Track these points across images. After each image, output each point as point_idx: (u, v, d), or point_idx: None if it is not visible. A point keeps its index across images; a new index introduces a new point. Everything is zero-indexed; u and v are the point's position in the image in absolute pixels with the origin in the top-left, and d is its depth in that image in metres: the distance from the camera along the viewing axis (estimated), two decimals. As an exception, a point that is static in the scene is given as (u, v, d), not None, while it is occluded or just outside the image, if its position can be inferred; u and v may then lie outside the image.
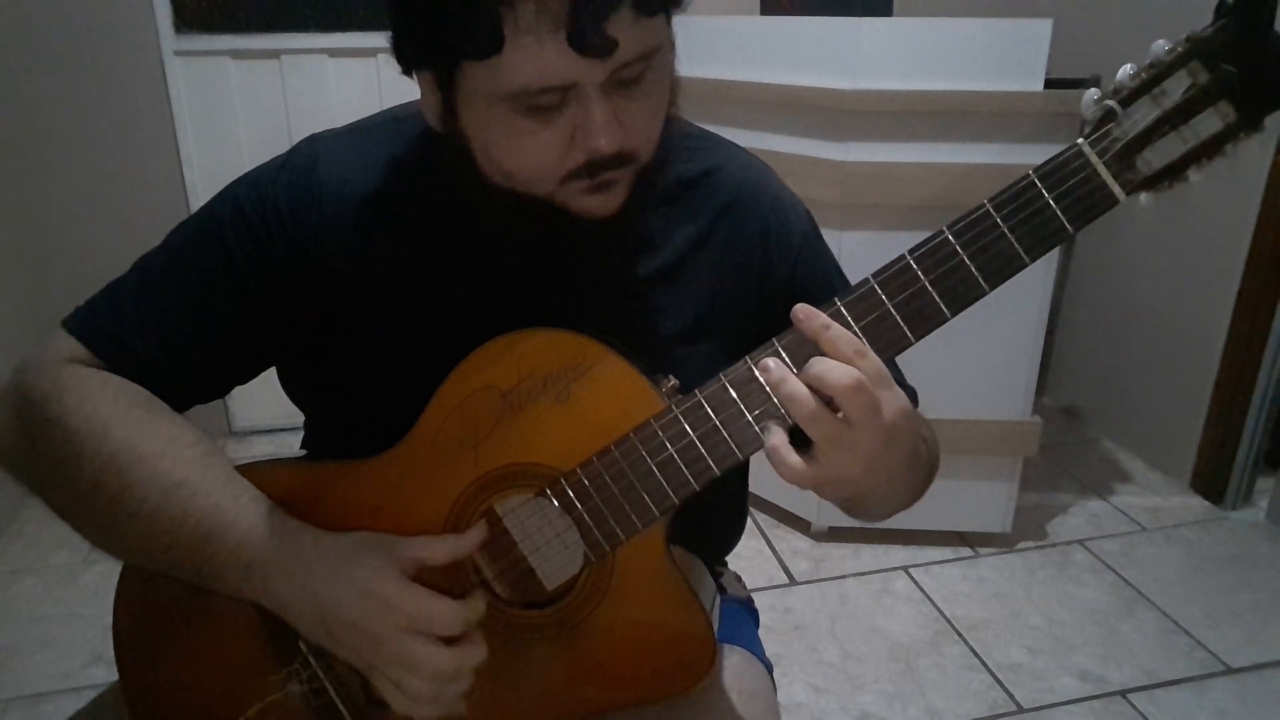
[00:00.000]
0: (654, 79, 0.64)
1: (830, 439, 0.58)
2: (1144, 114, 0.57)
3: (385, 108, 0.80)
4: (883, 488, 0.64)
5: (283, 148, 0.77)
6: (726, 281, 0.79)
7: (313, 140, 0.77)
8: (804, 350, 0.60)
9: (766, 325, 0.64)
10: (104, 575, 2.05)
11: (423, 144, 0.75)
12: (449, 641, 0.67)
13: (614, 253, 0.74)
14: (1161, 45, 0.57)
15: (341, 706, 0.74)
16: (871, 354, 0.59)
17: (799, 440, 0.60)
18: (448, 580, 0.70)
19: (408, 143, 0.76)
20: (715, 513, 0.89)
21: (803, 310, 0.60)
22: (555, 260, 0.73)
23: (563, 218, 0.66)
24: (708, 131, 0.83)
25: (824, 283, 0.81)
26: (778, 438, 0.60)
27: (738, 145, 0.84)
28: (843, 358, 0.58)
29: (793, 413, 0.59)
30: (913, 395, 0.79)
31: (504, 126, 0.62)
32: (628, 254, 0.76)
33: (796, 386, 0.59)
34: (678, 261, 0.77)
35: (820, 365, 0.58)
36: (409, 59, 0.65)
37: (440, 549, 0.68)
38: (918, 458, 0.72)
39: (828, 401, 0.58)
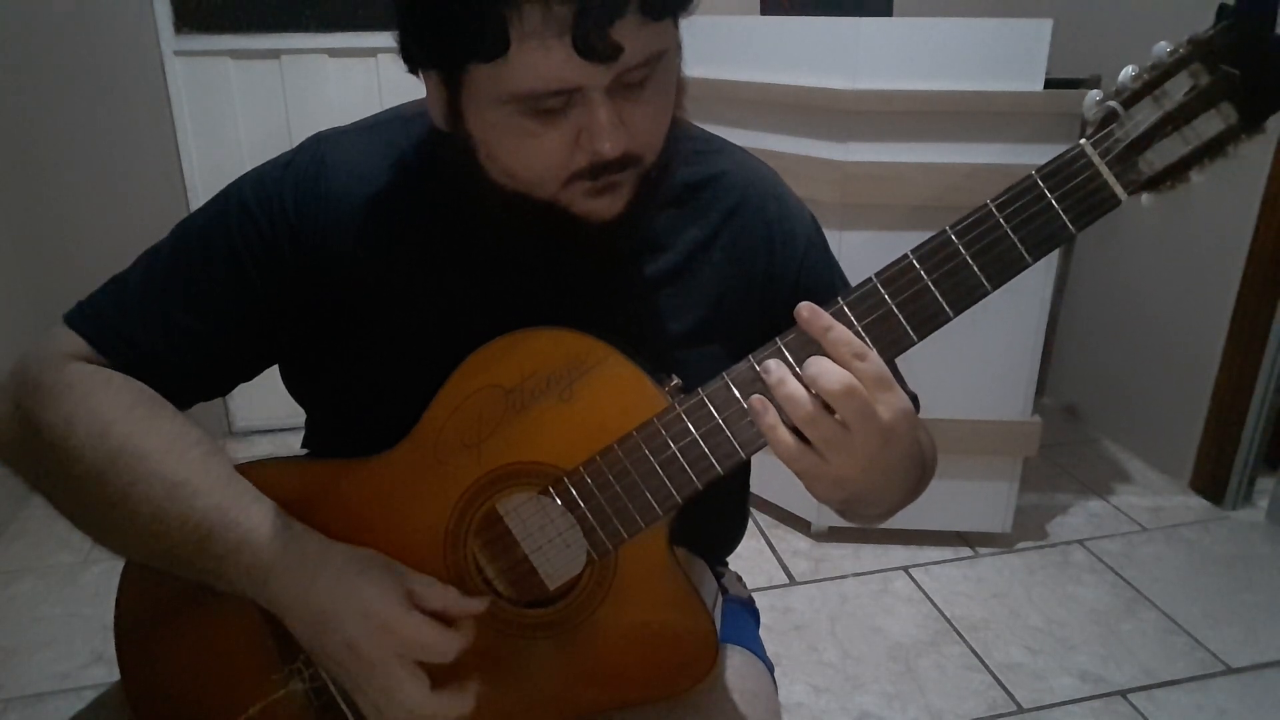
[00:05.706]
0: (659, 82, 0.64)
1: (827, 441, 0.58)
2: (1146, 115, 0.57)
3: (386, 107, 0.80)
4: (878, 490, 0.64)
5: (283, 147, 0.77)
6: (732, 285, 0.78)
7: (319, 139, 0.77)
8: (807, 351, 0.60)
9: (771, 330, 0.64)
10: (104, 575, 2.05)
11: (430, 143, 0.75)
12: (437, 680, 0.67)
13: (619, 255, 0.74)
14: (1163, 47, 0.57)
15: (343, 705, 0.74)
16: (873, 356, 0.59)
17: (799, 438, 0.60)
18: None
19: (415, 142, 0.76)
20: (717, 514, 0.89)
21: (807, 309, 0.60)
22: (561, 262, 0.73)
23: (567, 220, 0.66)
24: (714, 135, 0.83)
25: (828, 289, 0.80)
26: (772, 416, 0.59)
27: (744, 149, 0.84)
28: (841, 360, 0.58)
29: (791, 414, 0.59)
30: (914, 399, 0.78)
31: (509, 127, 0.62)
32: (633, 256, 0.76)
33: (795, 388, 0.58)
34: (683, 264, 0.77)
35: (816, 366, 0.58)
36: (414, 59, 0.65)
37: (437, 599, 0.68)
38: (915, 461, 0.72)
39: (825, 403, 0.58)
